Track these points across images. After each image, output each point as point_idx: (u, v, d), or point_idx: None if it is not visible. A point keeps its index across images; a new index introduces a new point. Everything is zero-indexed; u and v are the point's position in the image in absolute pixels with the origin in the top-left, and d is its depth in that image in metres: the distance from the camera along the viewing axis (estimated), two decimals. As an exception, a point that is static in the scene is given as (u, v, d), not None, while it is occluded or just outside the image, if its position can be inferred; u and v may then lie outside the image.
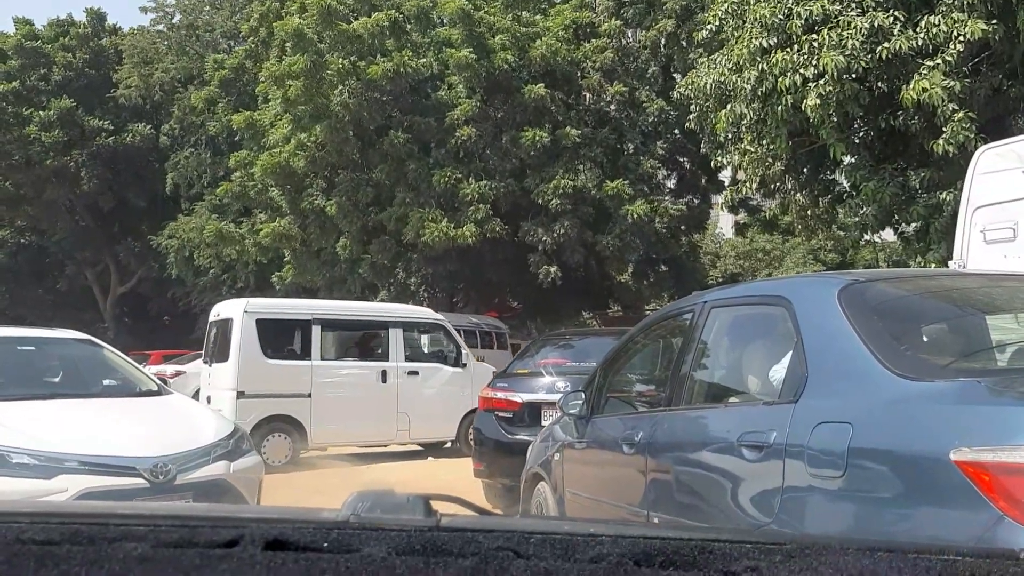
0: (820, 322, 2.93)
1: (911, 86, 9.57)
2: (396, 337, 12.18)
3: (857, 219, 12.38)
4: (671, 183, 22.62)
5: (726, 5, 11.65)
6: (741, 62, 10.83)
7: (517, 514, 5.79)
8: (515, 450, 6.28)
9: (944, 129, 9.51)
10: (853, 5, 10.20)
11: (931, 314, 3.36)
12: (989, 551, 0.87)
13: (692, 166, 21.83)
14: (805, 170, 12.55)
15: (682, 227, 21.46)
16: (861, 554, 0.80)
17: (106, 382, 6.60)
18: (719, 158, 13.29)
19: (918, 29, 9.81)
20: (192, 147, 29.94)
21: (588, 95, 20.09)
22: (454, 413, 11.97)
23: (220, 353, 11.53)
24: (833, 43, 9.91)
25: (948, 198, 9.94)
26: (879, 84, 10.34)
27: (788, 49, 10.28)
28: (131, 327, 33.52)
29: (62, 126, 28.85)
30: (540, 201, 18.27)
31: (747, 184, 12.83)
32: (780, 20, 10.46)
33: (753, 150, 11.62)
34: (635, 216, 18.27)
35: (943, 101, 9.34)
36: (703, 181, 22.14)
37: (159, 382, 6.93)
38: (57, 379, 6.69)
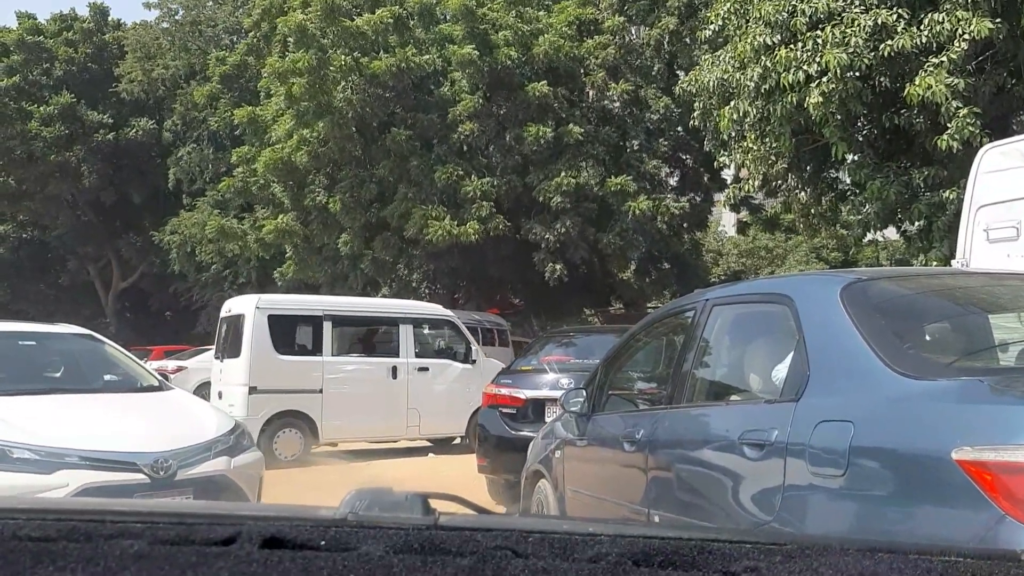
0: (822, 320, 2.93)
1: (916, 82, 9.54)
2: (406, 333, 12.26)
3: (860, 217, 12.37)
4: (673, 180, 22.59)
5: (729, 4, 11.63)
6: (744, 59, 10.82)
7: (520, 509, 5.79)
8: (519, 446, 6.33)
9: (949, 126, 9.50)
10: (857, 2, 10.18)
11: (933, 313, 3.36)
12: (990, 552, 0.86)
13: (694, 164, 21.80)
14: (808, 168, 12.52)
15: (684, 225, 21.43)
16: (861, 555, 0.79)
17: (107, 377, 6.60)
18: (722, 157, 13.28)
19: (922, 27, 9.79)
20: (194, 142, 29.95)
21: (592, 92, 20.05)
22: (464, 409, 12.01)
23: (232, 349, 11.61)
24: (836, 40, 9.89)
25: (951, 196, 9.92)
26: (882, 82, 10.32)
27: (792, 46, 10.26)
28: (133, 322, 33.56)
29: (63, 121, 28.85)
30: (542, 199, 18.26)
31: (750, 182, 12.81)
32: (784, 17, 10.44)
33: (756, 148, 11.60)
34: (638, 212, 18.25)
35: (947, 99, 9.32)
36: (705, 179, 22.11)
37: (160, 378, 6.93)
38: (58, 374, 6.70)
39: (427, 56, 18.97)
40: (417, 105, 19.13)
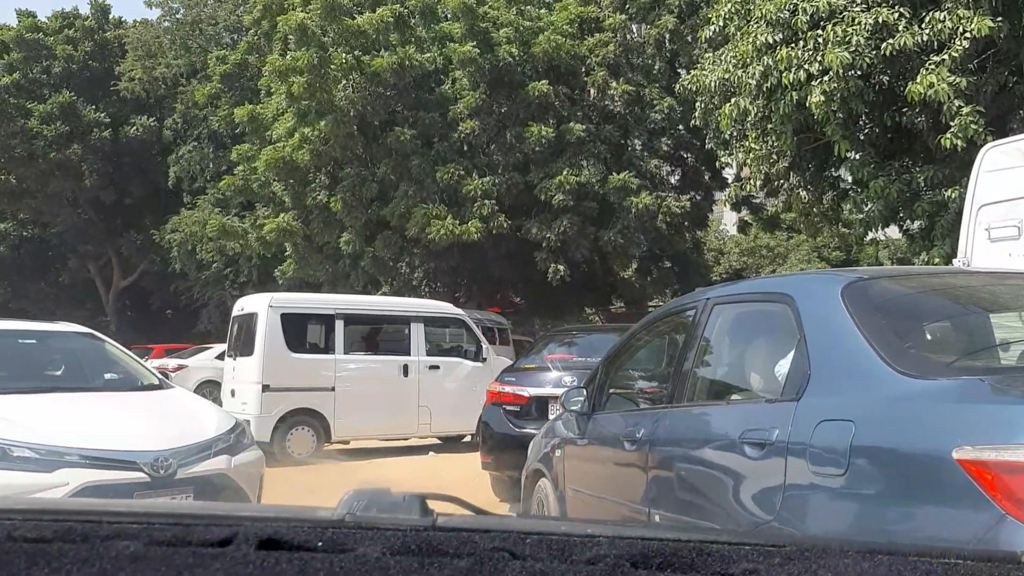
0: (823, 320, 2.93)
1: (918, 80, 9.54)
2: (418, 332, 12.35)
3: (862, 216, 12.36)
4: (674, 179, 22.56)
5: (730, 5, 11.63)
6: (746, 58, 10.81)
7: (521, 508, 5.79)
8: (522, 443, 6.38)
9: (951, 124, 9.49)
10: (858, 0, 10.17)
11: (935, 312, 3.35)
12: (990, 554, 0.86)
13: (696, 162, 21.78)
14: (810, 167, 12.52)
15: (685, 223, 21.41)
16: (860, 557, 0.79)
17: (107, 376, 6.61)
18: (724, 156, 13.27)
19: (923, 25, 9.78)
20: (195, 141, 29.95)
21: (592, 91, 20.04)
22: (474, 407, 12.04)
23: (245, 347, 11.70)
24: (838, 39, 9.88)
25: (953, 195, 9.91)
26: (884, 80, 10.31)
27: (793, 45, 10.25)
28: (133, 321, 33.56)
29: (64, 119, 28.84)
30: (544, 197, 18.25)
31: (751, 181, 12.80)
32: (785, 16, 10.44)
33: (757, 147, 11.60)
34: (640, 207, 18.22)
35: (949, 97, 9.32)
36: (706, 178, 22.09)
37: (160, 376, 6.93)
38: (58, 373, 6.70)
39: (428, 54, 18.97)
40: (418, 103, 19.13)
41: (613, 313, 25.51)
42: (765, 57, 10.48)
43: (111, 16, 33.06)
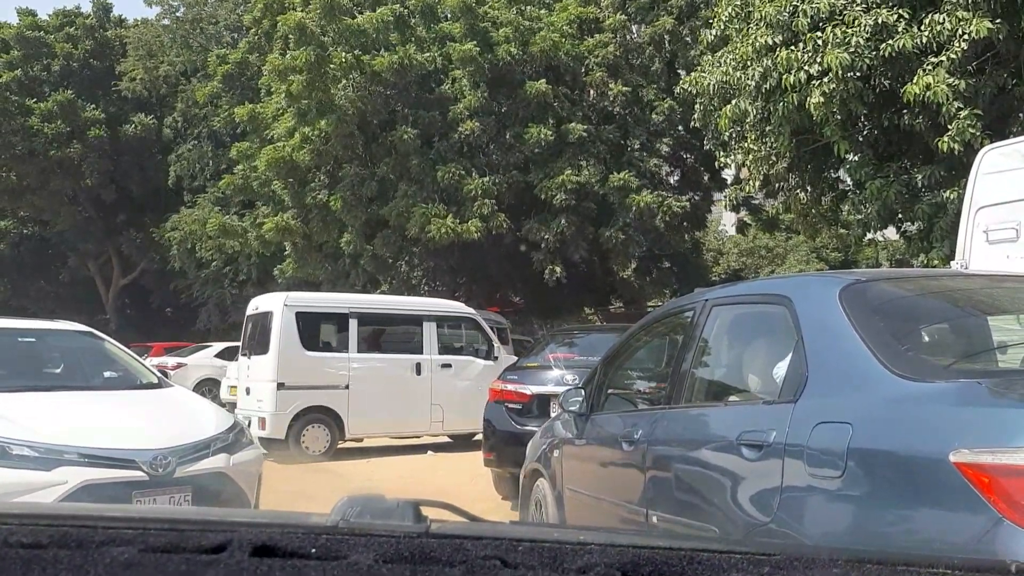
0: (821, 322, 2.93)
1: (915, 81, 9.54)
2: (430, 331, 12.48)
3: (860, 217, 12.35)
4: (674, 180, 22.56)
5: (730, 8, 11.62)
6: (746, 60, 10.81)
7: (519, 507, 5.79)
8: (524, 440, 6.44)
9: (949, 127, 9.49)
10: (858, 2, 10.17)
11: (932, 314, 3.35)
12: (979, 563, 0.86)
13: (695, 163, 21.78)
14: (808, 168, 12.52)
15: (684, 224, 21.41)
16: (850, 566, 0.79)
17: (107, 374, 6.61)
18: (723, 157, 13.27)
19: (922, 27, 9.78)
20: (195, 140, 29.94)
21: (592, 91, 20.03)
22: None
23: (259, 346, 11.81)
24: (838, 40, 9.88)
25: (952, 197, 9.91)
26: (883, 82, 10.31)
27: (793, 47, 10.25)
28: (133, 319, 33.56)
29: (64, 117, 28.83)
30: (544, 196, 18.25)
31: (750, 182, 12.80)
32: (785, 18, 10.43)
33: (757, 148, 11.60)
34: (641, 205, 18.21)
35: (948, 99, 9.32)
36: (706, 178, 22.09)
37: (160, 375, 6.93)
38: (58, 371, 6.71)
39: (428, 54, 18.96)
40: (418, 103, 19.12)
41: (612, 313, 25.52)
42: (765, 59, 10.48)
43: (112, 15, 33.04)
